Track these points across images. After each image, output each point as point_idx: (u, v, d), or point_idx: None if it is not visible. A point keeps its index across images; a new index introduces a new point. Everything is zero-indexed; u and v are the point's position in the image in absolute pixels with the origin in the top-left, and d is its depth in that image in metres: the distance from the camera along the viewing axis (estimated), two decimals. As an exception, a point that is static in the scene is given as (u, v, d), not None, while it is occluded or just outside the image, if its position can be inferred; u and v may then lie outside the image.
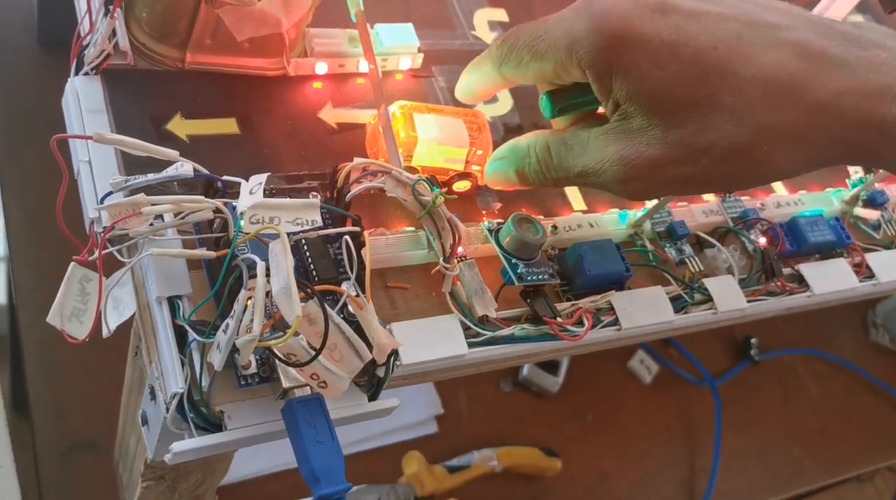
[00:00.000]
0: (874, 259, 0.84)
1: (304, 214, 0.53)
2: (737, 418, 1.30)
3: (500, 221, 0.68)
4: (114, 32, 0.63)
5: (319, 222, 0.53)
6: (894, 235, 0.90)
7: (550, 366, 1.18)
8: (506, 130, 0.79)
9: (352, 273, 0.53)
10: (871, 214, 0.88)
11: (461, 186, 0.71)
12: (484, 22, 0.86)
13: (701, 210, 0.80)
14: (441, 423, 1.11)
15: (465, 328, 0.62)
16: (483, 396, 1.16)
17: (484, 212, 0.72)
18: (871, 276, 0.84)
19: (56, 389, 0.93)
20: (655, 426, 1.25)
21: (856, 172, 0.92)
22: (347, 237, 0.53)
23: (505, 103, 0.81)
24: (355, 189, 0.58)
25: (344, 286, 0.54)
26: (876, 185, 0.90)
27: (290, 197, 0.60)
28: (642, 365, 1.27)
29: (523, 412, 1.17)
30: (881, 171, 0.89)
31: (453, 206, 0.68)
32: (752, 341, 1.37)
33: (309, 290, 0.49)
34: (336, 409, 0.55)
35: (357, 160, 0.58)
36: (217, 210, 0.52)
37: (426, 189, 0.60)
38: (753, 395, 1.35)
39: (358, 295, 0.53)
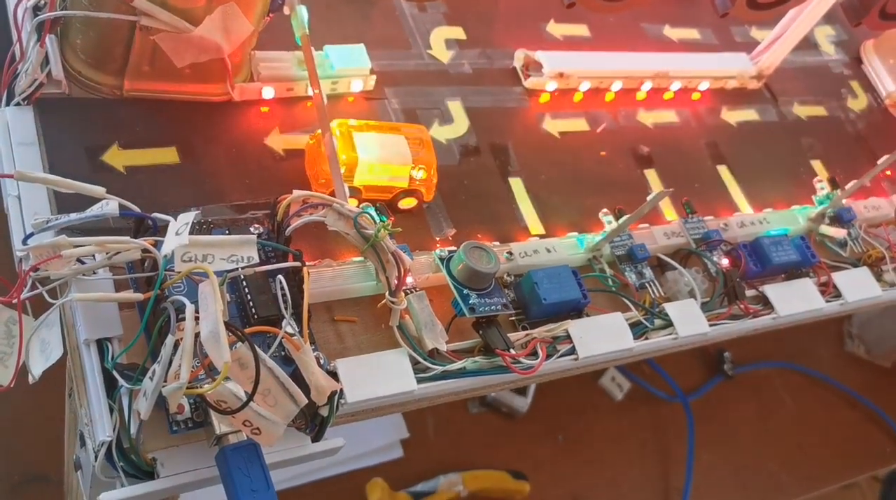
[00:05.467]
0: (841, 278, 0.83)
1: (241, 250, 0.51)
2: (711, 434, 1.28)
3: (452, 248, 0.67)
4: (47, 60, 0.61)
5: (256, 259, 0.51)
6: (861, 253, 0.88)
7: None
8: (462, 152, 0.77)
9: (287, 313, 0.51)
10: (838, 232, 0.87)
11: (407, 203, 0.69)
12: (441, 40, 0.84)
13: (662, 232, 0.78)
14: (407, 447, 1.08)
15: (415, 363, 0.60)
16: (450, 418, 1.14)
17: (437, 239, 0.70)
18: (838, 295, 0.82)
19: (5, 421, 0.90)
20: (628, 445, 1.23)
21: (822, 188, 0.91)
22: (281, 277, 0.51)
23: (461, 125, 0.79)
24: (295, 223, 0.56)
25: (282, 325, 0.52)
26: (843, 201, 0.89)
27: (230, 229, 0.58)
28: (613, 382, 1.26)
29: (492, 434, 1.15)
30: (847, 187, 0.88)
31: (405, 231, 0.66)
32: (726, 355, 1.35)
33: (240, 333, 0.47)
34: (278, 451, 0.53)
35: (296, 193, 0.56)
36: (146, 250, 0.50)
37: (369, 222, 0.58)
38: (727, 410, 1.33)
39: (294, 335, 0.51)
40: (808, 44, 1.09)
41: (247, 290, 0.55)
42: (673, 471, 1.23)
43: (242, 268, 0.52)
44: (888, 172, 1.01)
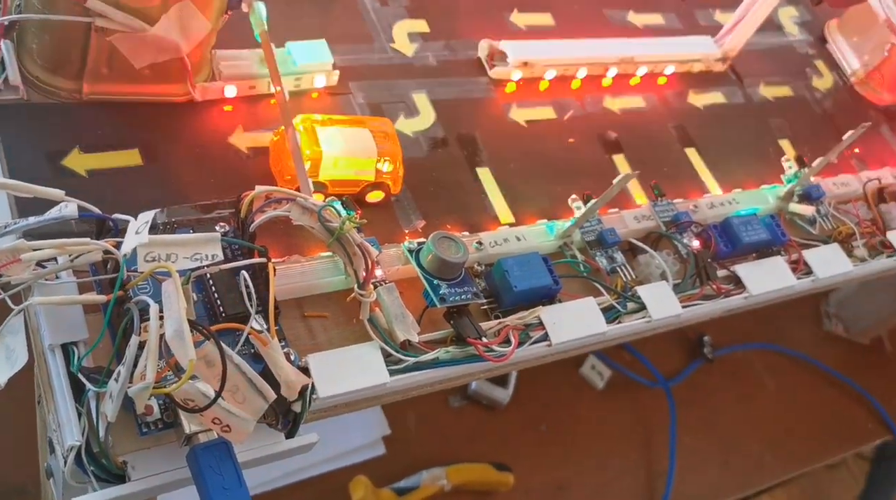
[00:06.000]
0: (812, 255, 0.83)
1: (204, 248, 0.51)
2: (693, 418, 1.28)
3: (422, 240, 0.66)
4: (3, 65, 0.60)
5: (220, 257, 0.51)
6: (831, 230, 0.89)
7: (499, 378, 1.16)
8: (430, 144, 0.77)
9: (252, 308, 0.51)
10: (807, 210, 0.87)
11: (374, 196, 0.69)
12: (404, 34, 0.84)
13: (632, 216, 0.78)
14: (389, 443, 1.08)
15: (387, 355, 0.60)
16: (432, 412, 1.13)
17: (407, 232, 0.70)
18: (809, 272, 0.82)
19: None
20: (611, 432, 1.23)
21: (790, 166, 0.91)
22: (244, 272, 0.51)
23: (427, 117, 0.78)
24: (259, 219, 0.56)
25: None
26: (812, 179, 0.89)
27: (195, 229, 0.57)
28: (594, 371, 1.26)
29: (474, 427, 1.14)
30: (814, 164, 0.88)
31: (374, 225, 0.66)
32: (705, 338, 1.36)
33: (205, 331, 0.46)
34: (251, 449, 0.53)
35: (259, 188, 0.56)
36: (108, 251, 0.49)
37: (333, 215, 0.57)
38: (709, 394, 1.33)
39: (262, 331, 0.51)
40: (772, 25, 1.10)
41: (213, 288, 0.55)
42: (657, 456, 1.23)
43: (207, 266, 0.52)
44: (856, 150, 1.01)
